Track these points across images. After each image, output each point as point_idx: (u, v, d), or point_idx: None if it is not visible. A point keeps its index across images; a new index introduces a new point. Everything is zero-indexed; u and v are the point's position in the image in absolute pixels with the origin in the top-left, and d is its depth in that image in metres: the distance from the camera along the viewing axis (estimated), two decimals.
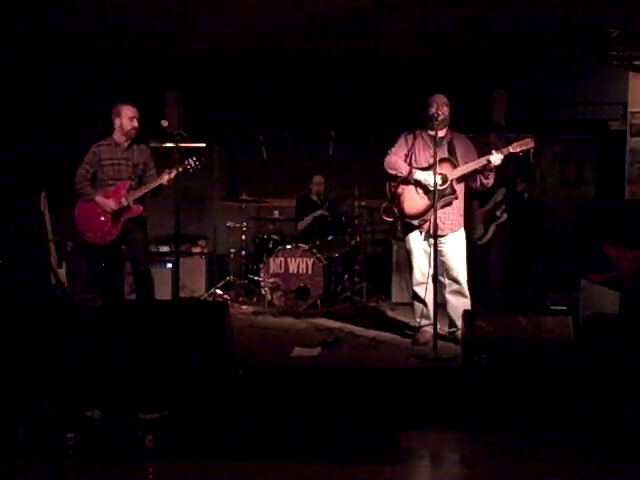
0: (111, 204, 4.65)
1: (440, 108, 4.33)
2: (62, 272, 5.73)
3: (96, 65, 6.75)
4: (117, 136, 4.75)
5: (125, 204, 4.65)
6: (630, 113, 6.63)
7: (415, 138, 4.53)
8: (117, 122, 4.72)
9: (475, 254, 4.91)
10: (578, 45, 6.26)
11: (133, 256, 4.87)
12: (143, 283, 4.82)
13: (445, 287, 4.50)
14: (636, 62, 6.39)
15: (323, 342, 4.49)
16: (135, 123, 4.71)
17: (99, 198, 4.68)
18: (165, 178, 4.61)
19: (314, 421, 3.44)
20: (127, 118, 4.69)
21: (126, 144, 4.75)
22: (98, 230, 4.71)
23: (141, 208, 4.69)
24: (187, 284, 6.25)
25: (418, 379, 3.78)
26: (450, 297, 4.50)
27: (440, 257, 4.38)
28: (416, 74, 6.70)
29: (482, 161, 4.30)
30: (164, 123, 4.62)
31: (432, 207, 4.30)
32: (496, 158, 4.24)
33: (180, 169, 4.62)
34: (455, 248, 4.47)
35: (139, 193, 4.65)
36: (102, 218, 4.69)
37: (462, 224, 4.55)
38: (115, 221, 4.68)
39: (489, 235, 5.33)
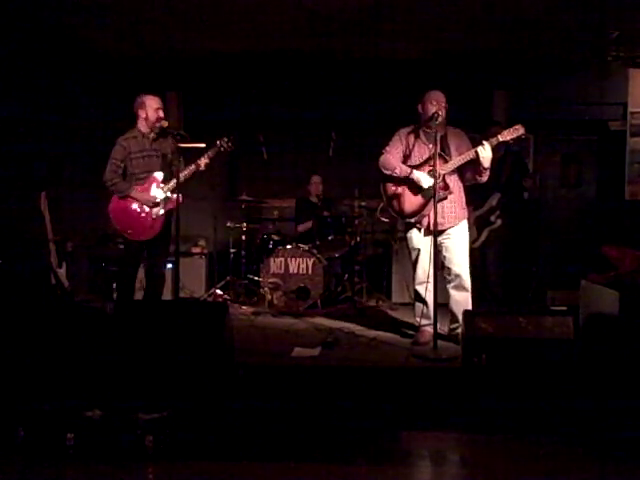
0: (150, 197, 4.56)
1: (441, 107, 4.29)
2: (62, 272, 5.72)
3: (96, 65, 6.76)
4: (142, 127, 4.64)
5: (165, 195, 4.56)
6: (630, 113, 6.63)
7: (410, 135, 4.49)
8: (142, 114, 4.62)
9: (472, 256, 4.90)
10: (578, 45, 6.26)
11: (155, 251, 4.70)
12: (157, 282, 4.72)
13: (449, 282, 4.47)
14: (637, 60, 6.38)
15: (323, 342, 4.48)
16: (160, 113, 4.63)
17: (136, 193, 4.57)
18: (197, 166, 4.53)
19: (314, 421, 3.44)
20: (152, 109, 4.60)
21: (152, 135, 4.65)
22: (140, 226, 4.57)
23: (181, 198, 4.52)
24: (187, 284, 6.24)
25: (418, 379, 3.77)
26: (453, 292, 4.46)
27: (443, 252, 4.38)
28: (416, 74, 6.70)
29: (471, 153, 4.24)
30: (164, 123, 4.60)
31: (426, 204, 4.33)
32: (482, 149, 4.17)
33: (214, 151, 4.57)
34: (457, 241, 4.43)
35: (176, 182, 4.49)
36: (142, 213, 4.58)
37: (465, 216, 4.49)
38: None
39: (482, 239, 5.32)
